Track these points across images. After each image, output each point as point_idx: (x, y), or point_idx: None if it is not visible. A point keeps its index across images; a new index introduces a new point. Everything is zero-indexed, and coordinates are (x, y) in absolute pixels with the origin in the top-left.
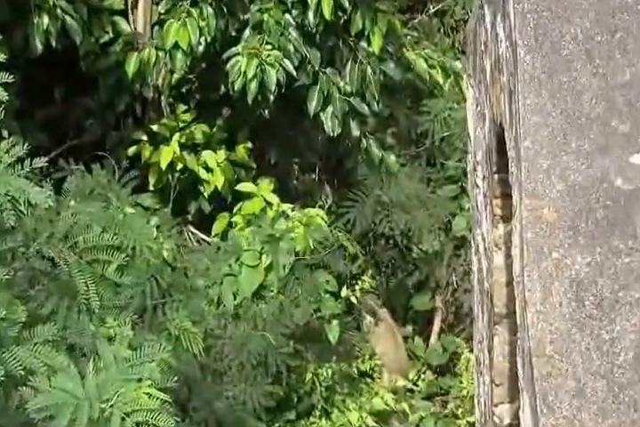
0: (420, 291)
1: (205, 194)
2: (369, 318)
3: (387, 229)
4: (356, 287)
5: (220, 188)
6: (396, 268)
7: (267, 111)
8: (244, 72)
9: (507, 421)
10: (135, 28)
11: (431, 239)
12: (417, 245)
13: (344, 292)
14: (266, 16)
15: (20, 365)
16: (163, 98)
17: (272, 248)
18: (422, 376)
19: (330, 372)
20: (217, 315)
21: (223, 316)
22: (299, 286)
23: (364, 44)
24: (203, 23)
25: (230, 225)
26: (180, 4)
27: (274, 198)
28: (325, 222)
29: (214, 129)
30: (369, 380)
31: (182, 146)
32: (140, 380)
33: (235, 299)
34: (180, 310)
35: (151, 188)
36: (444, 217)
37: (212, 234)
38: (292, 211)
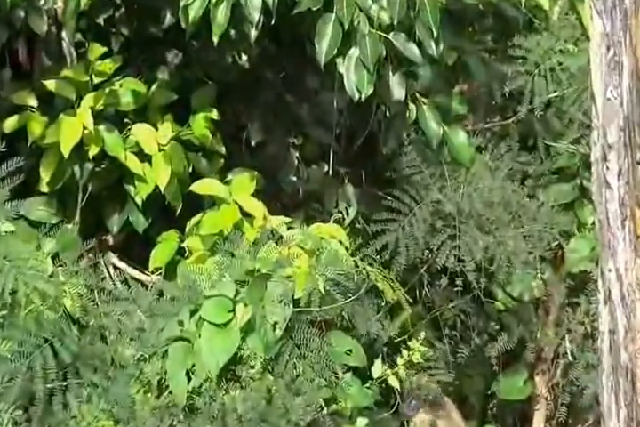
0: (509, 368)
1: (138, 199)
2: (422, 415)
3: (452, 260)
4: (399, 361)
5: (162, 188)
6: (469, 328)
7: (245, 57)
8: None
9: None
10: None
11: (528, 279)
12: (504, 287)
13: (378, 369)
14: None
15: None
16: (65, 33)
17: (254, 293)
18: None
19: None
20: (158, 409)
21: (169, 411)
22: (300, 360)
23: None
24: None
25: (181, 253)
26: None
27: (257, 207)
28: (346, 249)
29: (153, 87)
30: None
31: (98, 116)
32: None
33: (189, 382)
34: (94, 400)
35: (44, 188)
36: (550, 240)
37: (150, 268)
38: (290, 228)
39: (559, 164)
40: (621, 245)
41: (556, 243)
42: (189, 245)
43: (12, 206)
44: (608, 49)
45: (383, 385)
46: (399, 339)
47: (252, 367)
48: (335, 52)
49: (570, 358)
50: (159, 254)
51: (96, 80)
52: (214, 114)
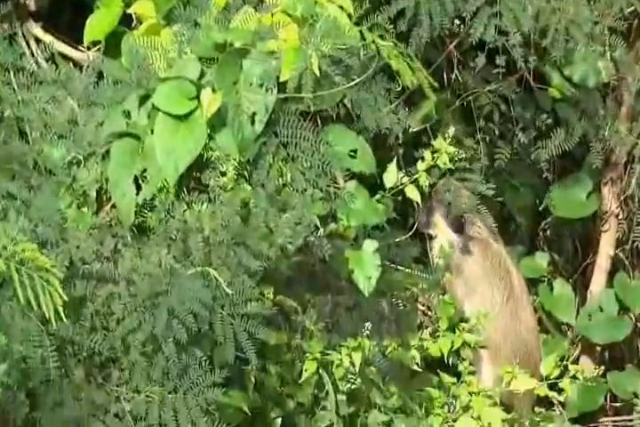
0: (567, 176)
1: None
2: (446, 237)
3: (491, 31)
4: (420, 166)
5: None
6: (513, 121)
7: None
8: None
9: None
10: None
11: (594, 58)
12: (561, 69)
13: (392, 176)
14: None
15: None
16: None
17: (225, 75)
18: (572, 370)
19: (358, 358)
20: (98, 229)
21: (111, 231)
22: (287, 163)
23: None
24: None
25: (127, 22)
26: None
27: None
28: (349, 16)
29: None
30: (448, 379)
31: None
32: None
33: (138, 192)
34: (11, 216)
35: None
36: (622, 4)
37: (85, 42)
38: None
39: None
40: None
41: (631, 9)
42: (138, 11)
43: None
44: None
45: (399, 198)
46: (418, 130)
47: (223, 174)
48: None
49: None
50: (97, 24)
51: None
52: None
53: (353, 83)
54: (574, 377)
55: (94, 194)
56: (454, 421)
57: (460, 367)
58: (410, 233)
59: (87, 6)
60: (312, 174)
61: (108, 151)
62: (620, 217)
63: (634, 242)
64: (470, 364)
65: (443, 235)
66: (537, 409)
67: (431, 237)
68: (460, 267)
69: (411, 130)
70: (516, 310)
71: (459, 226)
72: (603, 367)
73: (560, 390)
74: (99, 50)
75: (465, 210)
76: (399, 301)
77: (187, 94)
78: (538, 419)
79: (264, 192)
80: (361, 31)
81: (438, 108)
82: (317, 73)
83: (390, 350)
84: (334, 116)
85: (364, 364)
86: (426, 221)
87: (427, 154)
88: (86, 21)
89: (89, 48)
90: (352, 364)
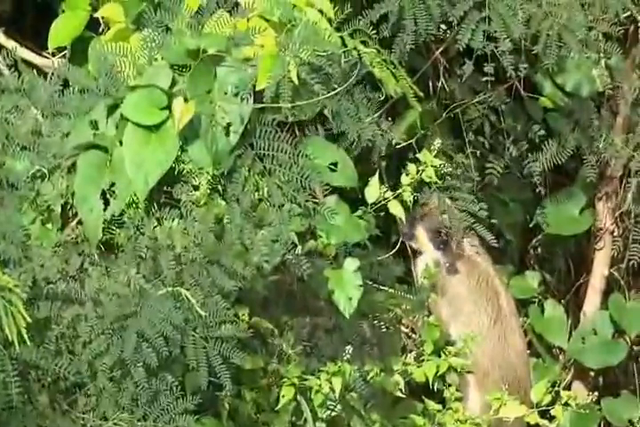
0: (559, 190)
1: None
2: (431, 255)
3: (479, 37)
4: (404, 180)
5: None
6: (502, 133)
7: None
8: None
9: None
10: None
11: (588, 65)
12: (553, 77)
13: (375, 191)
14: None
15: None
16: None
17: (198, 83)
18: (564, 396)
19: (338, 384)
20: (63, 246)
21: (77, 248)
22: (263, 177)
23: None
24: None
25: (94, 27)
26: None
27: None
28: (329, 21)
29: None
30: (433, 406)
31: None
32: None
33: (106, 208)
34: None
35: None
36: (618, 9)
37: (50, 48)
38: None
39: None
40: None
41: (627, 14)
42: (106, 14)
43: None
44: None
45: (381, 214)
46: (405, 144)
47: (196, 188)
48: None
49: None
50: (63, 28)
51: None
52: None
53: (334, 92)
54: (566, 404)
55: (59, 209)
56: None
57: (446, 393)
58: (393, 251)
59: (52, 10)
60: (290, 189)
61: (74, 164)
62: (615, 234)
63: (629, 260)
64: (457, 390)
65: (424, 248)
66: None
67: (415, 254)
68: (445, 287)
69: (394, 142)
70: (504, 332)
71: (441, 241)
72: (596, 393)
73: (551, 418)
74: (64, 56)
75: (449, 226)
76: (382, 323)
77: (157, 104)
78: None
79: (239, 208)
80: (342, 37)
81: (423, 118)
82: (296, 81)
83: (372, 375)
84: (314, 128)
85: (345, 390)
86: (409, 233)
87: (411, 167)
88: (51, 26)
89: (54, 54)
90: (332, 390)
